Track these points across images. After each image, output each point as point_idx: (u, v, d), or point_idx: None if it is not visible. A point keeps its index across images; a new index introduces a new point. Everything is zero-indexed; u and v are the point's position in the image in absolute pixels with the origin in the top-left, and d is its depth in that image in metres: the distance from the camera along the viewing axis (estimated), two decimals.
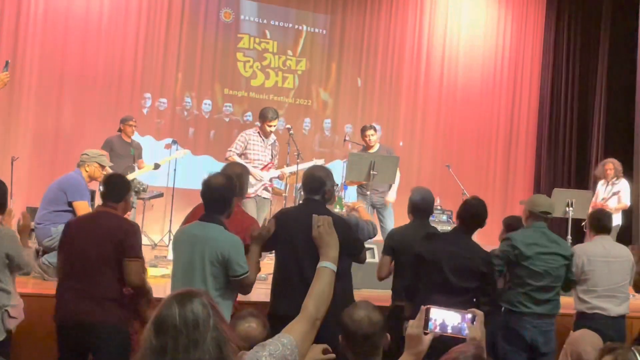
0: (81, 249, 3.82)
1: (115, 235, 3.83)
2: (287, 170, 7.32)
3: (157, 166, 7.87)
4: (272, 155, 7.10)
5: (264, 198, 7.04)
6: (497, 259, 4.51)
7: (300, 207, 4.45)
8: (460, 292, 4.15)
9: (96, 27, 8.92)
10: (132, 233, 3.92)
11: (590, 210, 7.44)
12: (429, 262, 4.23)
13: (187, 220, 4.29)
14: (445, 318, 1.98)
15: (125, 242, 3.84)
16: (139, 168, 7.78)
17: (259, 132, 7.04)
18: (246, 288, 3.82)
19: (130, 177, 7.21)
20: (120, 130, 7.91)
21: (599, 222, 5.18)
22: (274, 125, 7.04)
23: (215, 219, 3.77)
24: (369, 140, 7.73)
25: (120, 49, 9.06)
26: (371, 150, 7.71)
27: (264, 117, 6.96)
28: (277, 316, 3.73)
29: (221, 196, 3.81)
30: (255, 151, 6.98)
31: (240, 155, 6.92)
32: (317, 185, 4.06)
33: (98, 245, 3.80)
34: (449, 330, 1.97)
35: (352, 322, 2.72)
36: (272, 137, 7.16)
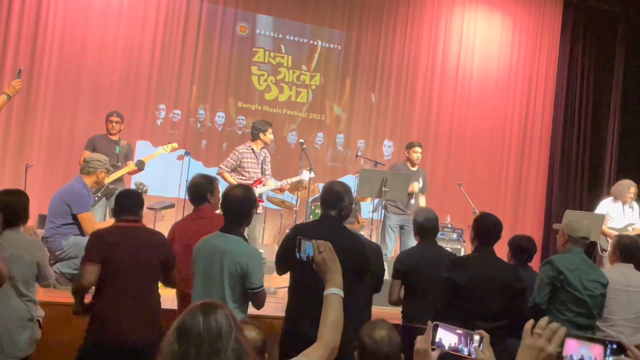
0: (130, 267, 3.85)
1: (160, 250, 4.00)
2: (287, 181, 7.48)
3: (141, 164, 7.33)
4: (262, 170, 7.27)
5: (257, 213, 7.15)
6: (546, 286, 4.43)
7: (315, 224, 4.38)
8: (498, 316, 4.08)
9: (113, 38, 9.01)
10: (169, 245, 4.14)
11: (612, 233, 7.31)
12: (464, 288, 4.14)
13: (175, 232, 4.46)
14: (442, 337, 1.97)
15: (169, 256, 4.05)
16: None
17: (252, 149, 7.24)
18: (260, 302, 3.81)
19: (110, 177, 7.02)
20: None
21: (628, 249, 5.01)
22: (271, 133, 7.34)
23: (235, 230, 3.79)
24: (415, 158, 7.82)
25: (136, 60, 9.14)
26: (413, 169, 7.79)
27: (262, 130, 7.24)
28: (291, 334, 3.75)
29: (241, 208, 3.83)
30: (249, 168, 7.20)
31: (232, 172, 7.16)
32: (334, 200, 3.97)
33: (146, 263, 3.92)
34: (446, 349, 1.96)
35: (372, 342, 2.69)
36: (263, 152, 7.37)
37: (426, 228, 4.78)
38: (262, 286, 3.75)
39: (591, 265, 4.65)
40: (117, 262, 3.83)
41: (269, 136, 7.32)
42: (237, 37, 9.76)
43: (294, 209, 8.39)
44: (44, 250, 4.13)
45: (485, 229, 4.35)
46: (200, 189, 4.50)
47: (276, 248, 4.46)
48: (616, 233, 7.44)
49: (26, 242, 3.94)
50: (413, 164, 7.81)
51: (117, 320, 3.75)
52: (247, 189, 4.01)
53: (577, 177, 10.90)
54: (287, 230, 5.01)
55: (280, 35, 10.07)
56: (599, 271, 4.67)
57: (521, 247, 4.97)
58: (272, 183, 7.36)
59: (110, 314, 3.78)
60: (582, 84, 10.98)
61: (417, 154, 7.78)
